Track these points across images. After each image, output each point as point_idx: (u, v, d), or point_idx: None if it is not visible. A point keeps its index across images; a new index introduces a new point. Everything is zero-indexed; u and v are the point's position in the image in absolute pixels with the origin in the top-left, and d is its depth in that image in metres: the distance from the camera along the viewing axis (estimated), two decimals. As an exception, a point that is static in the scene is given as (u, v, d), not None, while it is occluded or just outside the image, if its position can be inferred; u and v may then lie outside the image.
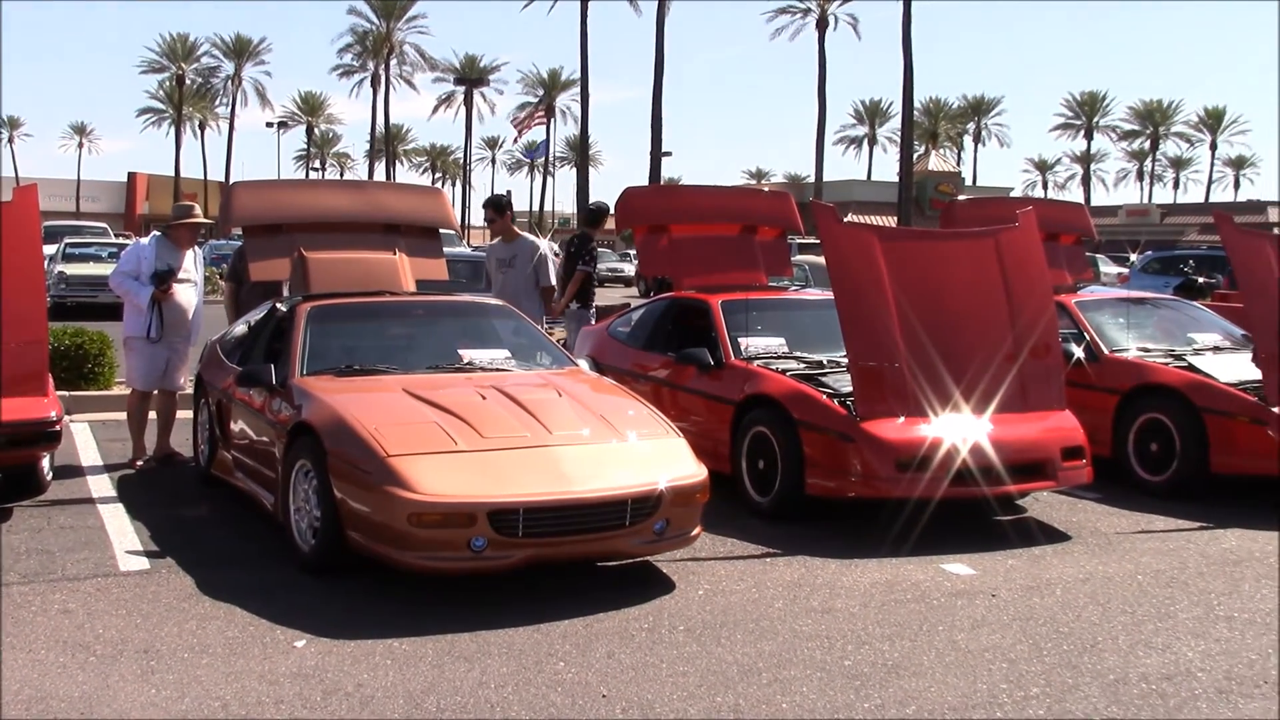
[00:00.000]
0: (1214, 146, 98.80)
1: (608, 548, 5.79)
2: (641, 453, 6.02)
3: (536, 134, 70.78)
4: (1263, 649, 5.12)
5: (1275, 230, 32.01)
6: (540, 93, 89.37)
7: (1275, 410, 7.82)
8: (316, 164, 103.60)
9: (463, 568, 5.48)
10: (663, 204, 10.31)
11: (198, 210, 9.02)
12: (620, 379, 8.04)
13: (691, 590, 5.85)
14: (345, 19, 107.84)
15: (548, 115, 77.45)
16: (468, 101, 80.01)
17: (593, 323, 10.91)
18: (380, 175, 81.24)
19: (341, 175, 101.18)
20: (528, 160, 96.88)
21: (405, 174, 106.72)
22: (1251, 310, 8.39)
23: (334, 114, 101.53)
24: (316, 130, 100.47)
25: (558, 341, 9.16)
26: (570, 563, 5.85)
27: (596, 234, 11.64)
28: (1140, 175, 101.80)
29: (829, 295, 7.74)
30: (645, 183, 49.05)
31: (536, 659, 4.84)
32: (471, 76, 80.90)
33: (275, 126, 79.11)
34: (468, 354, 7.03)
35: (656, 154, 54.57)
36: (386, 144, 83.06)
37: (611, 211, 10.91)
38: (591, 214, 12.12)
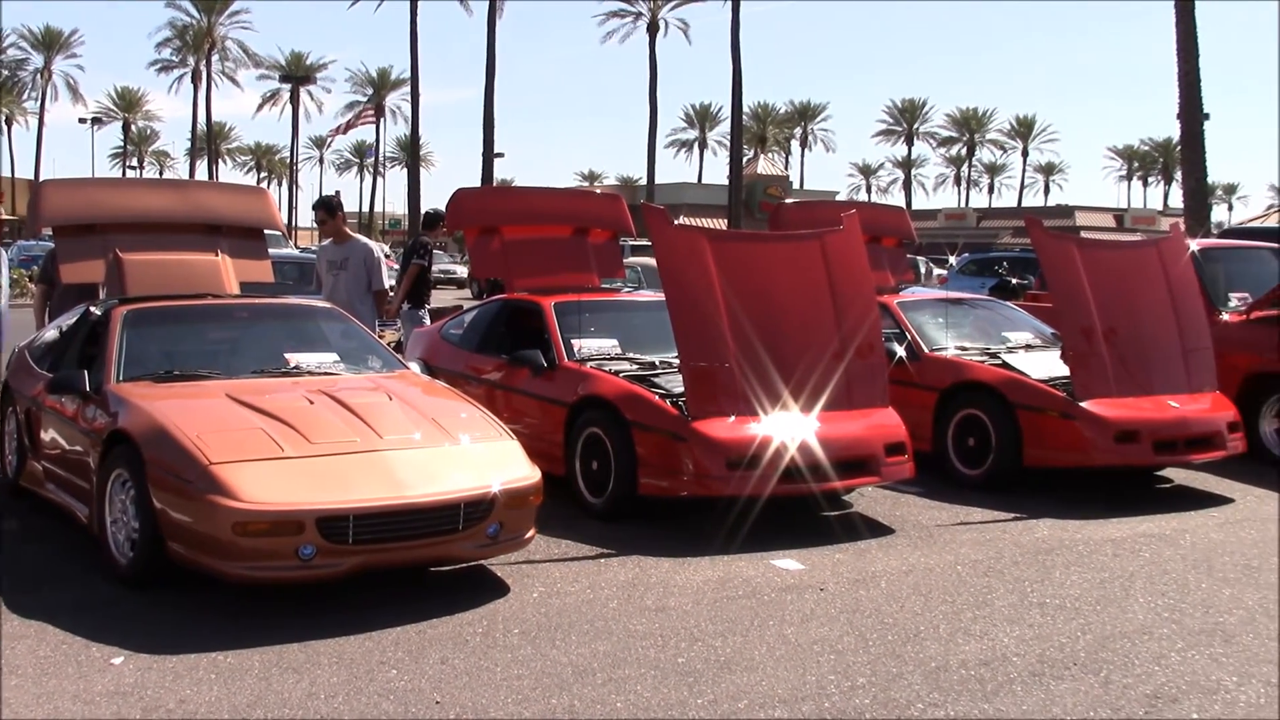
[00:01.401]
0: (1025, 153, 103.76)
1: (441, 552, 5.72)
2: (474, 456, 5.97)
3: (366, 133, 69.63)
4: (1072, 632, 5.37)
5: (1082, 233, 33.56)
6: (369, 91, 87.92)
7: (1083, 405, 8.22)
8: (134, 162, 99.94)
9: (291, 577, 5.36)
10: (494, 205, 10.25)
11: (1, 210, 8.59)
12: (453, 382, 7.97)
13: (526, 593, 5.83)
14: (164, 12, 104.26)
15: (377, 114, 76.06)
16: (294, 99, 78.25)
17: (426, 324, 10.82)
18: (202, 174, 78.82)
19: (161, 174, 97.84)
20: (357, 160, 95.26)
21: (229, 173, 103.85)
22: (1060, 309, 8.80)
23: (152, 110, 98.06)
24: (134, 127, 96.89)
25: (390, 344, 9.04)
26: (403, 569, 5.77)
27: (434, 237, 11.76)
28: (958, 180, 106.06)
29: (661, 297, 7.81)
30: (478, 184, 48.75)
31: (368, 667, 4.76)
32: (298, 74, 79.22)
33: (89, 123, 76.07)
34: (294, 358, 6.87)
35: (489, 155, 54.29)
36: (209, 142, 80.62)
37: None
38: (428, 218, 12.33)
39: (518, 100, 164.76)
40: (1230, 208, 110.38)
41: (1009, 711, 4.45)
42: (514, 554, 6.19)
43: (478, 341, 9.19)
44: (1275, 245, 11.83)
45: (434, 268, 12.40)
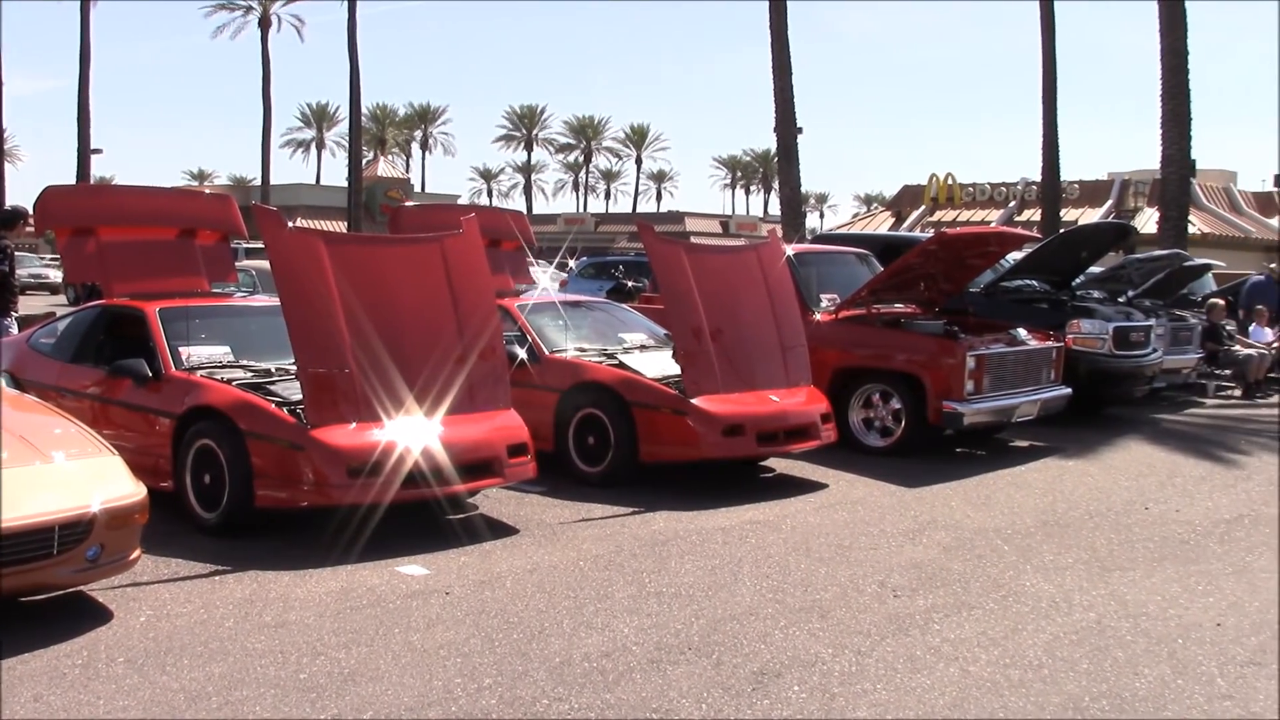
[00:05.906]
0: (639, 161, 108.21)
1: (33, 580, 5.26)
2: (70, 474, 5.54)
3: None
4: (687, 618, 5.64)
5: (691, 239, 35.25)
6: (-59, 78, 79.62)
7: (693, 401, 8.65)
8: None
9: None
10: (90, 205, 9.54)
11: None
12: (45, 395, 7.42)
13: (132, 618, 5.47)
14: None
15: (-48, 103, 68.84)
16: None
17: (13, 333, 9.96)
18: None
19: None
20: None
21: None
22: (671, 311, 9.21)
23: None
24: None
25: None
26: (-13, 601, 5.27)
27: (13, 237, 10.73)
28: (576, 186, 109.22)
29: (276, 301, 7.56)
30: (72, 181, 45.26)
31: (-53, 713, 4.32)
32: None
33: None
34: None
35: (84, 151, 50.41)
36: None
37: (31, 213, 10.02)
38: (5, 217, 11.21)
39: (119, 93, 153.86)
40: (822, 215, 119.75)
41: (629, 699, 4.62)
42: (117, 577, 5.79)
43: (73, 352, 8.55)
44: (860, 250, 12.94)
45: (19, 271, 11.41)
